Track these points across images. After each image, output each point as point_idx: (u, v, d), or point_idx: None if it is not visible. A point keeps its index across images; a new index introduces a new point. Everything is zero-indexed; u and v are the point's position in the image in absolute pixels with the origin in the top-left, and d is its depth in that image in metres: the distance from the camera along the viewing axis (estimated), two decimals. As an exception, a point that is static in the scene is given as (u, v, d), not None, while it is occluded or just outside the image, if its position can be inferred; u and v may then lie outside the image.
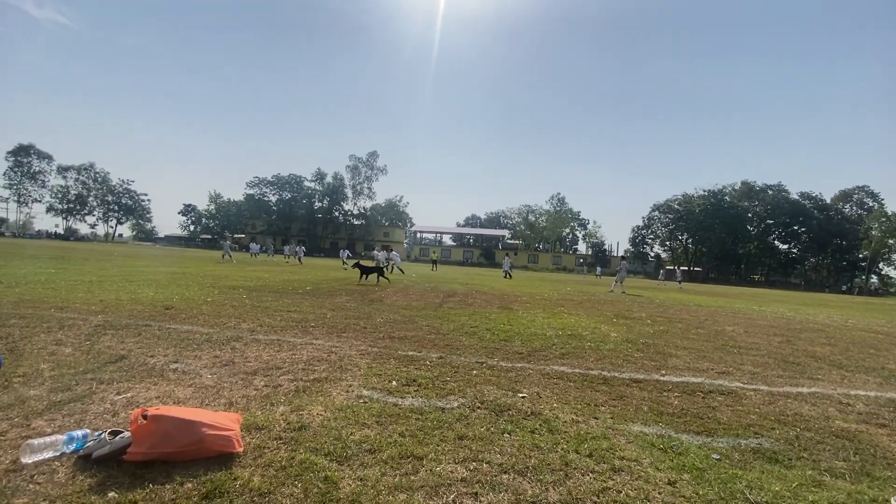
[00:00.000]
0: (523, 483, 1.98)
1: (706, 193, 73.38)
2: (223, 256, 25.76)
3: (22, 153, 74.40)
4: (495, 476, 2.01)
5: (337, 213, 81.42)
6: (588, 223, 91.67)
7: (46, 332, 4.19)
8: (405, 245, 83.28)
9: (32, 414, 2.35)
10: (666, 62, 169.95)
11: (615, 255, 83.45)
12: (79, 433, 2.00)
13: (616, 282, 18.25)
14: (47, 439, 1.94)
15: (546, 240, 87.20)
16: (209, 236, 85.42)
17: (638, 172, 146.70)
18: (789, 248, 73.62)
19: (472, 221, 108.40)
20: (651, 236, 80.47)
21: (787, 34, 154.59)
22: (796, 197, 71.86)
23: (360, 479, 1.88)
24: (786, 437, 2.80)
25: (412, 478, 1.93)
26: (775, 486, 2.11)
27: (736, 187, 76.48)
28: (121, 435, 1.91)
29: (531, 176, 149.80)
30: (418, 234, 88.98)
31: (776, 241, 73.90)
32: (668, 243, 79.34)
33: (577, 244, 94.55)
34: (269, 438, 2.22)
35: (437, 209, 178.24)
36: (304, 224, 80.00)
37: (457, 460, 2.14)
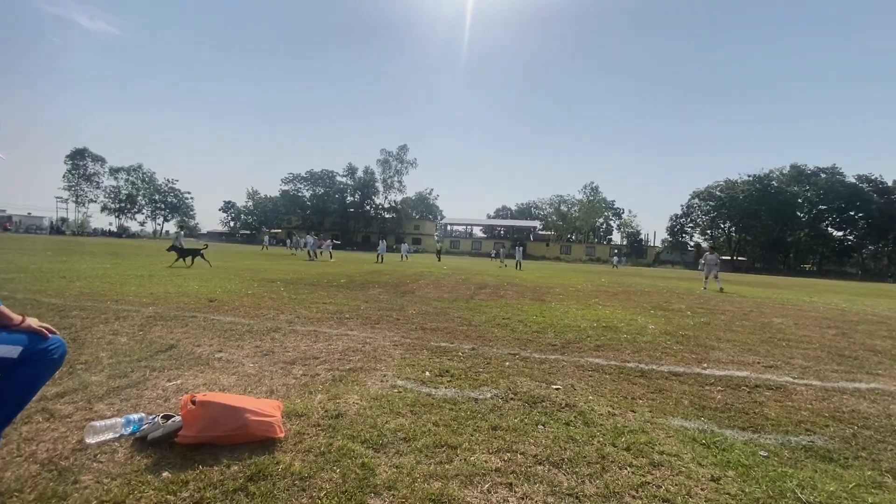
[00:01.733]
0: (559, 475, 1.96)
1: (751, 178, 69.47)
2: (293, 251, 26.81)
3: (78, 156, 79.45)
4: (530, 467, 2.00)
5: (368, 207, 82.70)
6: (622, 212, 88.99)
7: (104, 323, 4.48)
8: (435, 237, 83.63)
9: (94, 398, 2.53)
10: (704, 39, 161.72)
11: (651, 244, 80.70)
12: (135, 416, 2.13)
13: (707, 276, 15.36)
14: (108, 422, 2.08)
15: (579, 230, 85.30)
16: (248, 231, 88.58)
17: (676, 159, 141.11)
18: (844, 236, 68.68)
19: (502, 213, 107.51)
20: (690, 225, 77.05)
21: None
22: (853, 180, 66.69)
23: (396, 467, 1.92)
24: (841, 434, 2.65)
25: (446, 466, 1.95)
26: (829, 486, 1.99)
27: (784, 171, 71.96)
28: (172, 419, 2.02)
29: (563, 166, 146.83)
30: (448, 227, 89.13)
31: (829, 228, 69.07)
32: (709, 232, 75.77)
33: (611, 234, 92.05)
34: (308, 425, 2.29)
35: (468, 201, 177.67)
36: (336, 218, 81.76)
37: (491, 450, 2.14)
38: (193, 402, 1.97)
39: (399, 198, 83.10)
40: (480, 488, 1.80)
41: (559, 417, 2.63)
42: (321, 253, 25.99)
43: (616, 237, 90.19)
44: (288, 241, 36.40)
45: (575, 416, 2.66)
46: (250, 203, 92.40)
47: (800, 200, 68.39)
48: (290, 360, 3.57)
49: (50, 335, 1.68)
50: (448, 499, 1.70)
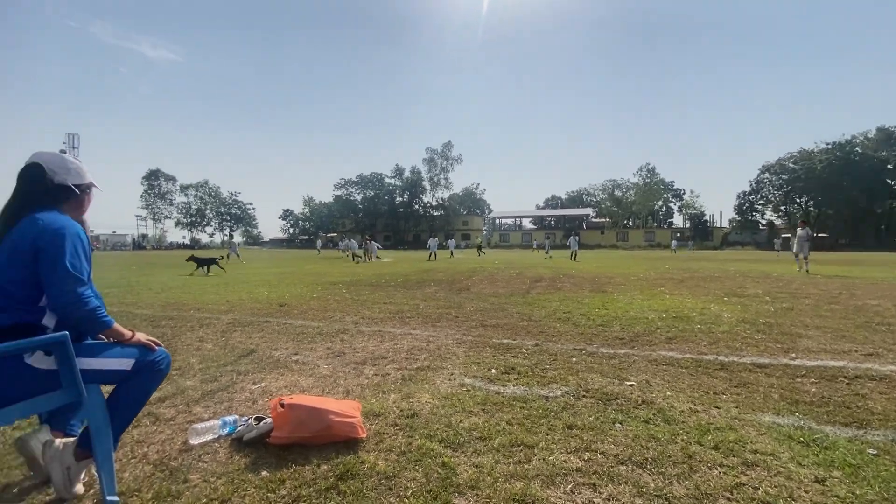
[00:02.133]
0: (643, 475, 1.89)
1: (830, 146, 62.63)
2: (353, 257, 25.64)
3: (152, 177, 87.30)
4: (612, 467, 1.95)
5: (417, 206, 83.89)
6: (683, 193, 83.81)
7: (191, 331, 4.89)
8: (484, 232, 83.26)
9: (191, 401, 2.77)
10: None
11: (717, 225, 75.34)
12: (230, 418, 2.31)
13: (798, 255, 13.91)
14: (207, 424, 2.27)
15: (636, 215, 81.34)
16: (306, 237, 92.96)
17: (742, 131, 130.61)
18: (947, 202, 60.51)
19: (552, 203, 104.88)
20: (761, 202, 70.99)
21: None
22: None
23: (476, 466, 1.93)
24: (969, 431, 2.34)
25: (526, 466, 1.94)
26: (960, 490, 1.78)
27: (869, 135, 64.30)
28: (264, 421, 2.17)
29: (615, 149, 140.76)
30: (497, 220, 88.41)
31: (928, 195, 61.09)
32: (782, 208, 69.43)
33: (671, 217, 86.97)
34: (386, 425, 2.37)
35: (516, 194, 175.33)
36: (387, 219, 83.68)
37: (569, 450, 2.11)
38: (282, 405, 2.11)
39: (446, 195, 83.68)
40: (563, 489, 1.78)
41: (637, 415, 2.53)
42: (369, 255, 25.61)
43: (678, 220, 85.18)
44: (340, 244, 37.72)
45: (654, 414, 2.55)
46: (307, 210, 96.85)
47: (890, 166, 60.83)
48: (360, 360, 3.71)
49: (157, 347, 1.86)
50: (532, 499, 1.69)
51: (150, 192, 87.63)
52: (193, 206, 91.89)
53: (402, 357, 3.81)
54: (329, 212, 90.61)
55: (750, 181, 71.07)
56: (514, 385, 3.06)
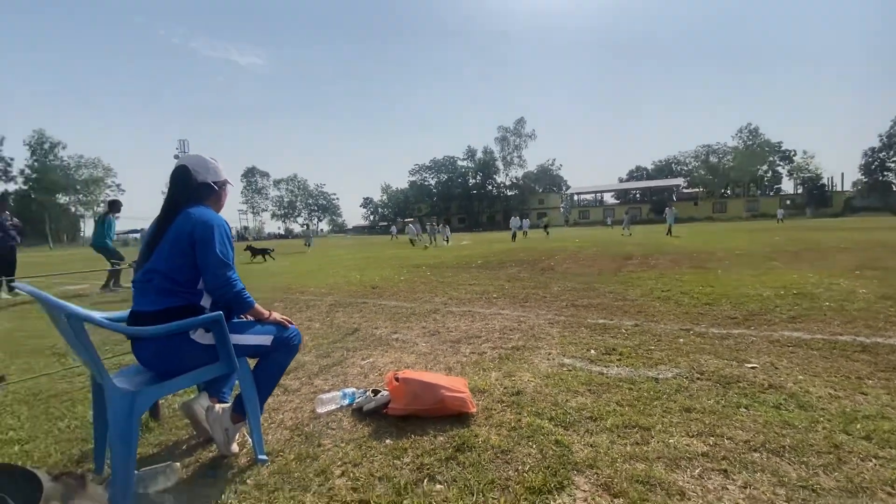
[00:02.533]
0: (782, 464, 1.73)
1: None
2: (411, 242, 25.18)
3: (249, 174, 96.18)
4: (743, 454, 1.81)
5: (490, 187, 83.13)
6: (794, 154, 73.48)
7: (300, 311, 5.37)
8: (561, 209, 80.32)
9: (311, 375, 3.05)
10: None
11: (837, 189, 65.32)
12: (349, 390, 2.51)
13: None
14: (330, 395, 2.49)
15: (735, 183, 73.06)
16: (385, 223, 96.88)
17: (866, 76, 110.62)
18: None
19: (636, 174, 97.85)
20: (895, 159, 60.08)
21: None
22: None
23: (591, 446, 1.91)
24: None
25: (644, 448, 1.88)
26: None
27: None
28: (381, 393, 2.33)
29: (709, 110, 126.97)
30: (575, 197, 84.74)
31: None
32: (926, 164, 58.20)
33: (779, 183, 76.84)
34: (493, 402, 2.42)
35: (596, 168, 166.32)
36: (461, 202, 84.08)
37: (690, 434, 1.99)
38: (397, 379, 2.24)
39: (520, 173, 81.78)
40: (690, 473, 1.69)
41: (764, 400, 2.31)
42: (433, 239, 24.88)
43: (787, 186, 75.11)
44: (392, 229, 38.68)
45: (785, 399, 2.31)
46: (384, 197, 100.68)
47: None
48: (455, 339, 3.81)
49: (290, 325, 2.06)
50: (656, 481, 1.63)
51: (248, 187, 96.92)
52: (285, 199, 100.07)
53: (496, 336, 3.84)
54: (405, 198, 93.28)
55: (880, 135, 60.48)
56: (617, 366, 2.95)
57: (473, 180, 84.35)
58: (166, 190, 2.06)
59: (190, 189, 1.95)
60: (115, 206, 8.91)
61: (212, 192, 2.03)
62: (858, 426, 2.01)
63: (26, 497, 1.29)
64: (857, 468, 1.70)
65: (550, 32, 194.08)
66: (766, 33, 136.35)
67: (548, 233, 32.02)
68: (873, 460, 1.75)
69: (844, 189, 66.50)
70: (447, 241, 24.65)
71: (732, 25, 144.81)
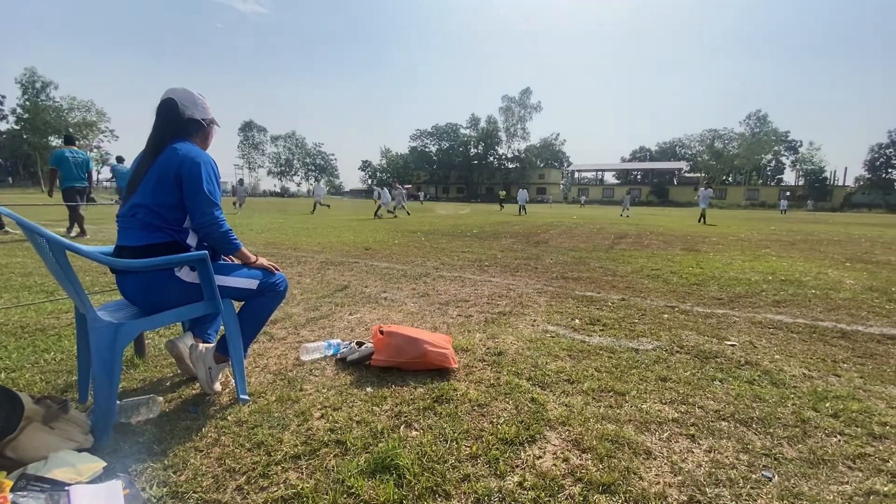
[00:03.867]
0: (748, 433, 1.79)
1: None
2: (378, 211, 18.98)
3: (247, 128, 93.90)
4: (712, 422, 1.87)
5: (492, 158, 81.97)
6: (799, 145, 72.79)
7: (291, 266, 5.37)
8: (562, 186, 79.73)
9: (298, 325, 3.08)
10: None
11: (838, 184, 65.18)
12: (334, 341, 2.54)
13: None
14: (315, 344, 2.52)
15: (738, 170, 72.58)
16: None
17: (878, 71, 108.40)
18: None
19: (640, 155, 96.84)
20: (902, 156, 59.83)
21: None
22: None
23: (566, 405, 1.96)
24: None
25: (618, 411, 1.93)
26: None
27: None
28: (365, 345, 2.36)
29: (718, 94, 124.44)
30: (576, 174, 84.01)
31: None
32: (931, 164, 57.97)
33: (781, 174, 76.44)
34: (474, 360, 2.47)
35: (599, 144, 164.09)
36: (461, 171, 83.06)
37: (663, 401, 2.05)
38: (382, 332, 2.27)
39: (523, 146, 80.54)
40: (659, 436, 1.75)
41: (739, 375, 2.37)
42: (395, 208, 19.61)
43: (789, 176, 74.75)
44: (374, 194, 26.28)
45: (759, 375, 2.37)
46: (384, 161, 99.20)
47: None
48: (443, 301, 3.84)
49: (276, 272, 2.06)
50: (625, 441, 1.69)
51: (245, 142, 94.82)
52: (283, 157, 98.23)
53: (484, 301, 3.88)
54: (405, 163, 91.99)
55: (890, 131, 59.73)
56: (599, 335, 3.01)
57: (475, 150, 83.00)
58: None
59: (177, 124, 1.89)
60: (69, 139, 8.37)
61: (199, 129, 1.97)
62: (828, 405, 2.07)
63: (8, 414, 1.32)
64: (821, 442, 1.76)
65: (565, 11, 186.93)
66: (784, 22, 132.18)
67: (522, 212, 27.06)
68: (838, 436, 1.81)
69: (846, 184, 66.41)
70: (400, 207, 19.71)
71: (752, 11, 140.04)
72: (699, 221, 17.44)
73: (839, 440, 1.78)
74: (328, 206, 16.56)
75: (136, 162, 1.87)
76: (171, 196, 1.77)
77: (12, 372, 2.22)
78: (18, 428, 1.37)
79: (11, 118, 61.67)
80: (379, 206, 18.67)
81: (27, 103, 60.51)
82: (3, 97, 60.57)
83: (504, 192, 37.65)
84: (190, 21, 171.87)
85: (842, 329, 3.29)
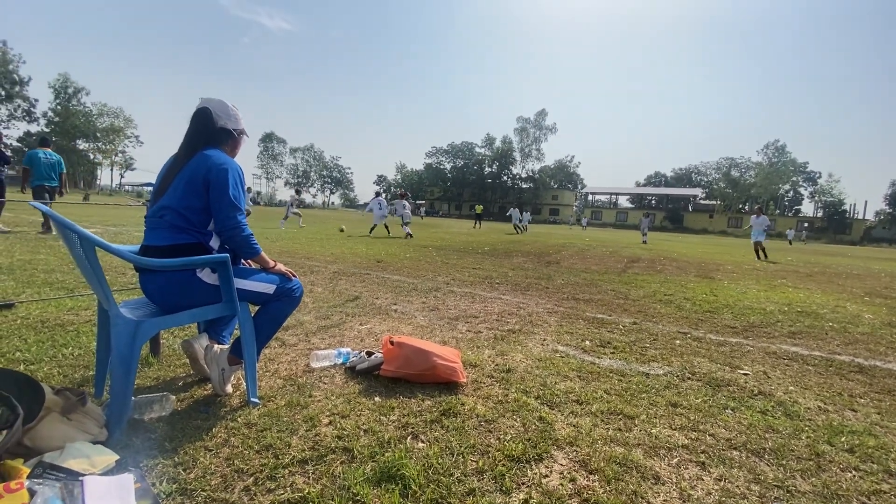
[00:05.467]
0: (760, 464, 1.75)
1: None
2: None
3: (267, 139, 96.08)
4: (723, 450, 1.83)
5: (505, 178, 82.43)
6: (818, 177, 71.94)
7: (303, 275, 5.43)
8: (575, 208, 79.59)
9: (309, 333, 3.11)
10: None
11: (857, 217, 64.00)
12: (344, 350, 2.56)
13: None
14: (325, 352, 2.54)
15: (755, 199, 71.81)
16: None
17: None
18: None
19: (654, 180, 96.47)
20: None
21: None
22: None
23: (574, 426, 1.94)
24: None
25: (626, 434, 1.91)
26: None
27: None
28: (374, 355, 2.38)
29: (735, 122, 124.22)
30: (590, 196, 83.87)
31: None
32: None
33: (799, 204, 75.40)
34: (483, 375, 2.46)
35: (614, 168, 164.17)
36: (475, 189, 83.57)
37: (673, 427, 2.02)
38: (392, 343, 2.28)
39: (537, 166, 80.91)
40: (668, 461, 1.72)
41: (752, 405, 2.33)
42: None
43: (808, 208, 73.65)
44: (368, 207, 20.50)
45: (773, 406, 2.32)
46: (399, 176, 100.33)
47: None
48: (453, 316, 3.85)
49: (293, 277, 2.10)
50: (633, 464, 1.66)
51: (265, 153, 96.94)
52: (300, 168, 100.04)
53: (494, 318, 3.88)
54: (419, 179, 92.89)
55: (914, 166, 58.53)
56: (610, 358, 2.98)
57: (489, 169, 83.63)
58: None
59: (209, 132, 1.97)
60: (44, 141, 8.56)
61: (229, 138, 2.05)
62: (843, 439, 2.02)
63: (29, 403, 1.36)
64: (836, 477, 1.72)
65: (580, 26, 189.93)
66: (804, 53, 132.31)
67: (476, 226, 27.27)
68: (853, 472, 1.76)
69: (866, 217, 65.20)
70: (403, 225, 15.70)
71: (770, 45, 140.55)
72: (758, 258, 13.49)
73: (854, 475, 1.73)
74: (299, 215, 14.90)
75: (168, 165, 1.94)
76: (198, 199, 1.84)
77: (31, 364, 2.28)
78: (38, 417, 1.41)
79: (42, 121, 64.14)
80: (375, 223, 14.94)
81: (58, 107, 62.90)
82: (36, 101, 63.00)
83: (481, 207, 30.53)
84: (219, 36, 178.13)
85: (859, 364, 3.21)
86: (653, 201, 78.68)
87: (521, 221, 26.63)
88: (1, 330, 2.76)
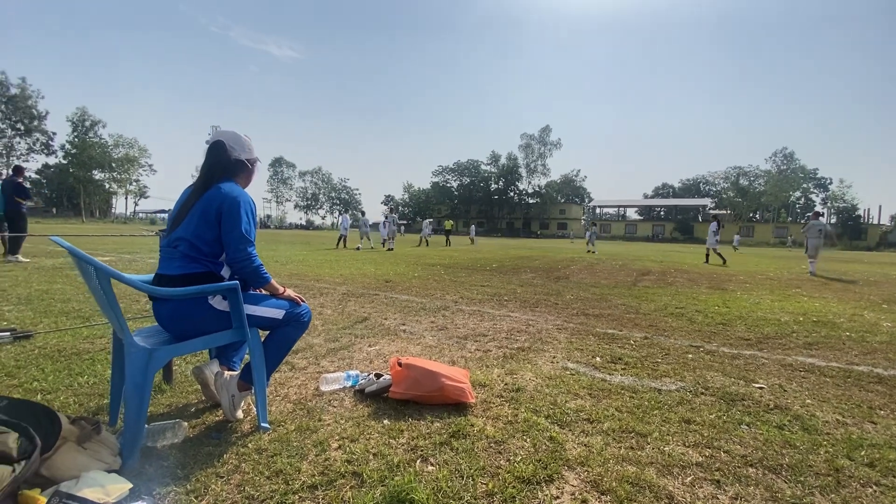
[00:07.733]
0: (777, 481, 1.72)
1: None
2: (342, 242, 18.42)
3: (277, 164, 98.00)
4: (739, 468, 1.80)
5: (512, 194, 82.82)
6: (829, 183, 71.14)
7: (313, 298, 5.48)
8: (582, 221, 79.39)
9: (318, 356, 3.13)
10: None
11: (872, 222, 62.87)
12: (353, 372, 2.57)
13: None
14: (334, 375, 2.55)
15: (765, 207, 71.04)
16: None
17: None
18: None
19: (662, 191, 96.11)
20: (942, 195, 57.35)
21: None
22: None
23: (585, 445, 1.92)
24: None
25: (638, 453, 1.88)
26: None
27: None
28: (383, 377, 2.39)
29: (743, 131, 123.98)
30: (598, 210, 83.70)
31: None
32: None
33: (811, 211, 74.30)
34: (492, 395, 2.45)
35: (620, 181, 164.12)
36: (482, 206, 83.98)
37: (687, 444, 1.99)
38: (400, 364, 2.29)
39: (543, 182, 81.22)
40: (682, 480, 1.69)
41: (768, 419, 2.29)
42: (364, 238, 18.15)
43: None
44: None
45: (789, 420, 2.28)
46: (406, 196, 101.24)
47: None
48: (462, 335, 3.85)
49: (302, 303, 2.14)
50: (646, 484, 1.64)
51: (274, 177, 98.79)
52: (309, 191, 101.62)
53: (503, 336, 3.87)
54: (426, 197, 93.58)
55: (928, 169, 57.63)
56: (621, 374, 2.95)
57: (496, 185, 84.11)
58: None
59: (225, 164, 2.04)
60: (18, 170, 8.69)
61: (244, 169, 2.12)
62: (863, 453, 1.97)
63: (46, 432, 1.39)
64: (856, 493, 1.67)
65: (584, 35, 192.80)
66: (814, 57, 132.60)
67: (448, 244, 24.31)
68: (874, 487, 1.72)
69: (881, 223, 64.03)
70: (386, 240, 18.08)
71: (777, 52, 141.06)
72: (810, 271, 11.57)
73: (875, 491, 1.69)
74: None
75: (184, 196, 2.01)
76: (211, 231, 1.90)
77: (49, 394, 2.32)
78: (55, 447, 1.44)
79: (60, 153, 66.22)
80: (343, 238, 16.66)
81: (76, 139, 64.94)
82: (54, 133, 65.21)
83: (450, 223, 27.78)
84: (226, 65, 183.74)
85: (879, 374, 3.14)
86: (662, 212, 78.25)
87: (429, 234, 23.93)
88: (20, 360, 2.82)
